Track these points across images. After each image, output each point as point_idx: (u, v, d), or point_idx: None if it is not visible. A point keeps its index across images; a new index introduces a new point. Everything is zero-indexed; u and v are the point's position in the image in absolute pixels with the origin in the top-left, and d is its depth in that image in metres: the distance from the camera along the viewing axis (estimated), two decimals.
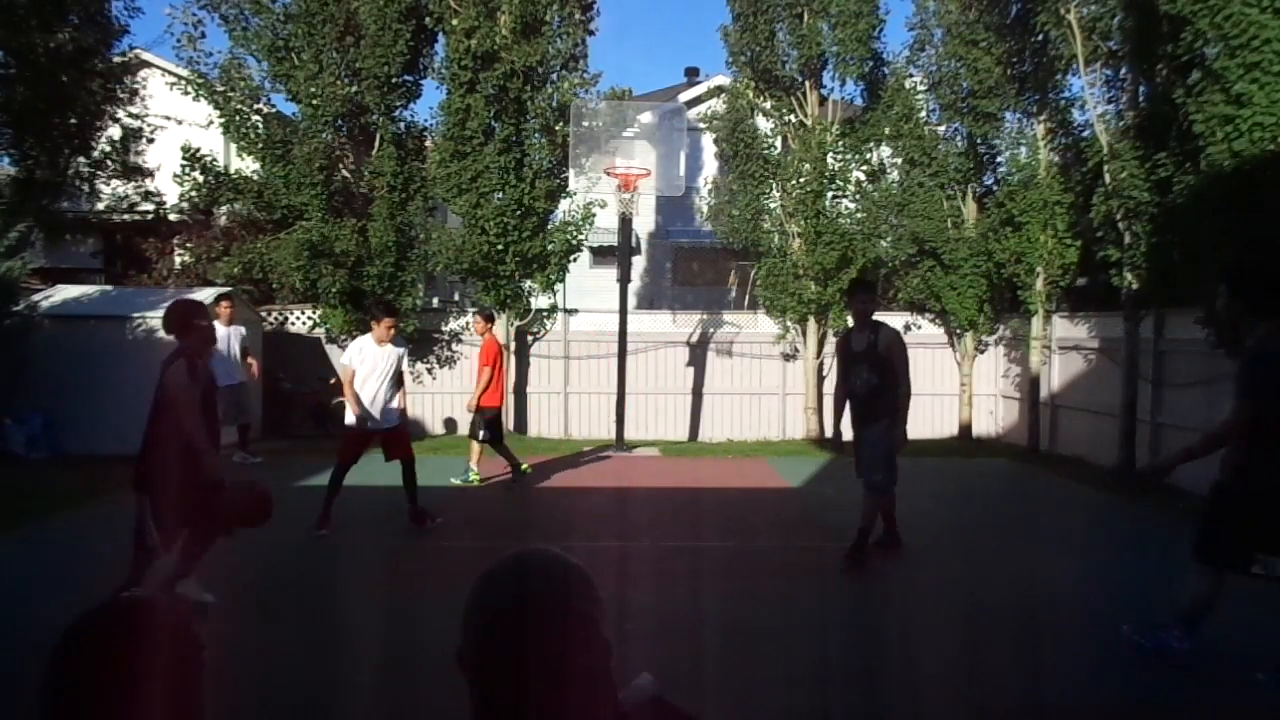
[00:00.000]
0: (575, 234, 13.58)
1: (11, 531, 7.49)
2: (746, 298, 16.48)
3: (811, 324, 14.29)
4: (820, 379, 14.58)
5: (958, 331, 14.33)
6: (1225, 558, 4.50)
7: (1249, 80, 7.68)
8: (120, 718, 1.23)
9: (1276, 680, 4.50)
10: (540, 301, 14.07)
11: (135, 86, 12.94)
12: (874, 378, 6.50)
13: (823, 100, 14.41)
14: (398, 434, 7.60)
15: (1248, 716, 4.29)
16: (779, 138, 14.55)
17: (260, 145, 13.27)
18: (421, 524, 7.44)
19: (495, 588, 1.21)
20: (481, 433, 9.50)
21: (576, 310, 14.72)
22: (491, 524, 7.87)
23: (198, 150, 13.50)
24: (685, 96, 18.45)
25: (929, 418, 14.58)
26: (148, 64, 15.04)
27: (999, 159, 13.69)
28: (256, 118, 13.34)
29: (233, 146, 14.28)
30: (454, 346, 14.14)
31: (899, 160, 14.60)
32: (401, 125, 13.75)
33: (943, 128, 14.11)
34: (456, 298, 17.68)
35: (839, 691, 4.46)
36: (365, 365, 7.42)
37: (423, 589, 6.07)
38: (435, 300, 17.23)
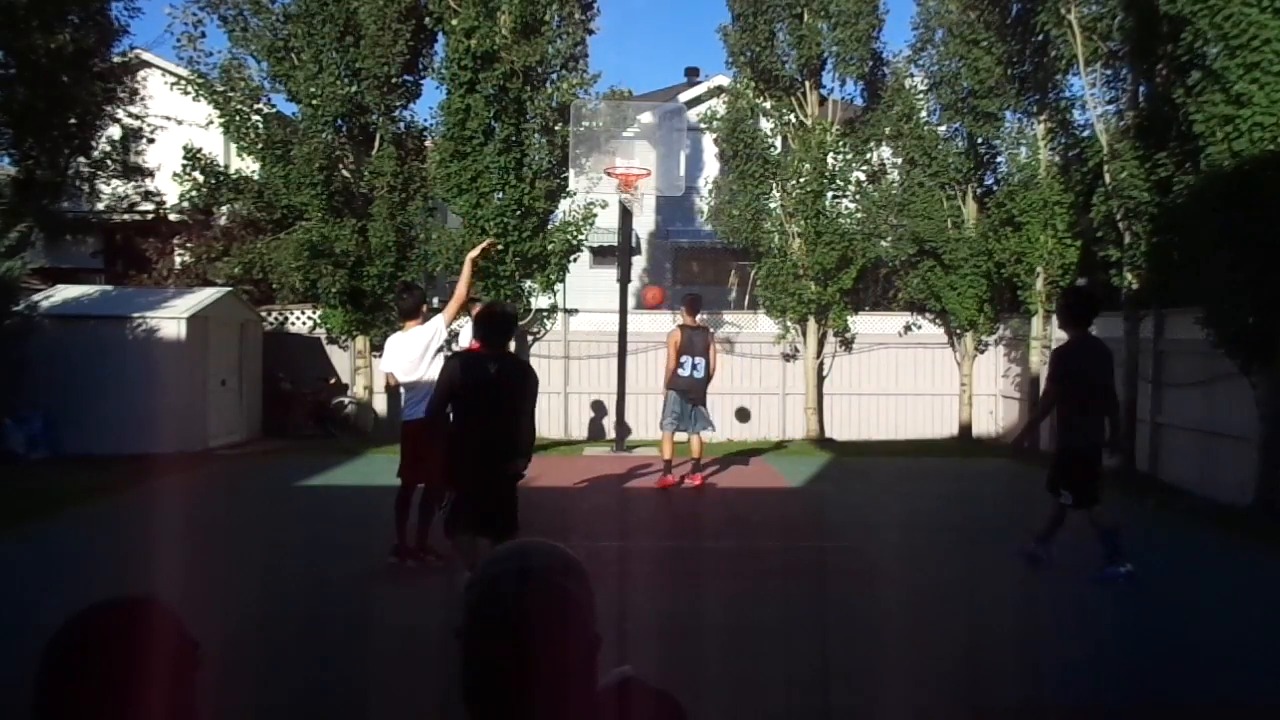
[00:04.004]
0: (575, 234, 13.58)
1: (11, 531, 7.48)
2: (746, 298, 16.48)
3: (811, 324, 14.29)
4: (820, 379, 14.58)
5: (958, 331, 14.33)
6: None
7: (1249, 80, 7.68)
8: (113, 719, 1.23)
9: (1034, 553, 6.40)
10: (540, 301, 14.07)
11: (135, 86, 12.95)
12: None
13: (823, 100, 14.40)
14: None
15: (1246, 714, 4.29)
16: (779, 138, 14.55)
17: (260, 145, 13.26)
18: None
19: (499, 563, 1.25)
20: None
21: (576, 310, 14.71)
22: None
23: (198, 150, 13.49)
24: (685, 96, 18.44)
25: (929, 418, 14.59)
26: (148, 64, 15.03)
27: (999, 159, 13.70)
28: (256, 118, 13.34)
29: (233, 146, 14.28)
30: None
31: (899, 160, 14.60)
32: (401, 125, 13.75)
33: (943, 128, 14.11)
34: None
35: (839, 691, 4.46)
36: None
37: (421, 587, 6.07)
38: (435, 300, 17.21)
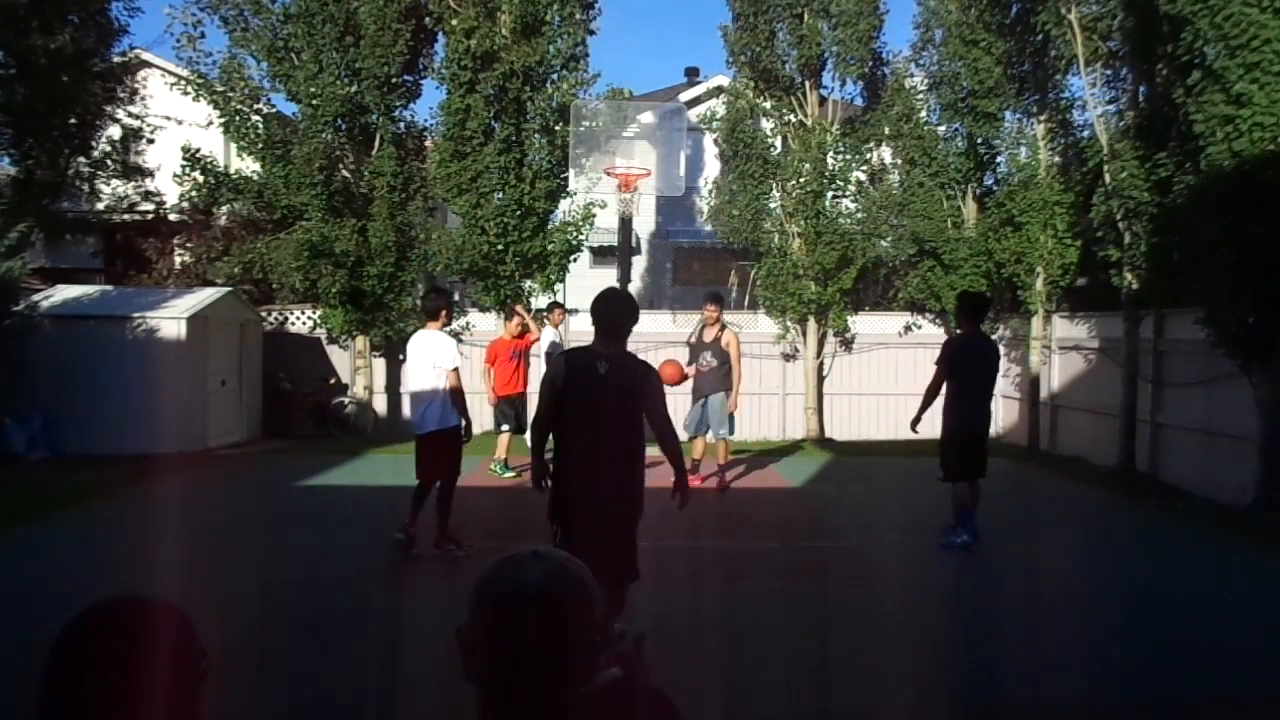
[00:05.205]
0: (575, 234, 13.58)
1: (11, 531, 7.48)
2: (746, 298, 16.47)
3: (811, 324, 14.29)
4: (820, 379, 14.57)
5: (958, 331, 14.31)
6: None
7: (1249, 80, 7.67)
8: (115, 717, 1.23)
9: (952, 543, 6.98)
10: (540, 302, 14.06)
11: (135, 86, 12.95)
12: None
13: (823, 100, 14.40)
14: None
15: (1246, 714, 4.29)
16: (779, 138, 14.55)
17: (260, 145, 13.27)
18: None
19: (509, 553, 1.26)
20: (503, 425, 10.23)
21: (577, 310, 14.68)
22: (491, 524, 7.86)
23: (198, 150, 13.49)
24: (685, 96, 18.44)
25: (929, 417, 14.53)
26: (148, 64, 15.03)
27: (999, 159, 13.68)
28: (256, 118, 13.34)
29: (233, 146, 14.28)
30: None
31: (899, 160, 14.59)
32: (401, 125, 13.76)
33: (943, 128, 14.10)
34: (456, 298, 17.69)
35: (839, 691, 4.46)
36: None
37: (421, 586, 6.07)
38: None
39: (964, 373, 7.19)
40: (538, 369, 10.76)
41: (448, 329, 7.10)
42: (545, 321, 10.99)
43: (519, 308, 11.02)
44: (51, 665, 1.24)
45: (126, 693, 1.22)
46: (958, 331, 7.95)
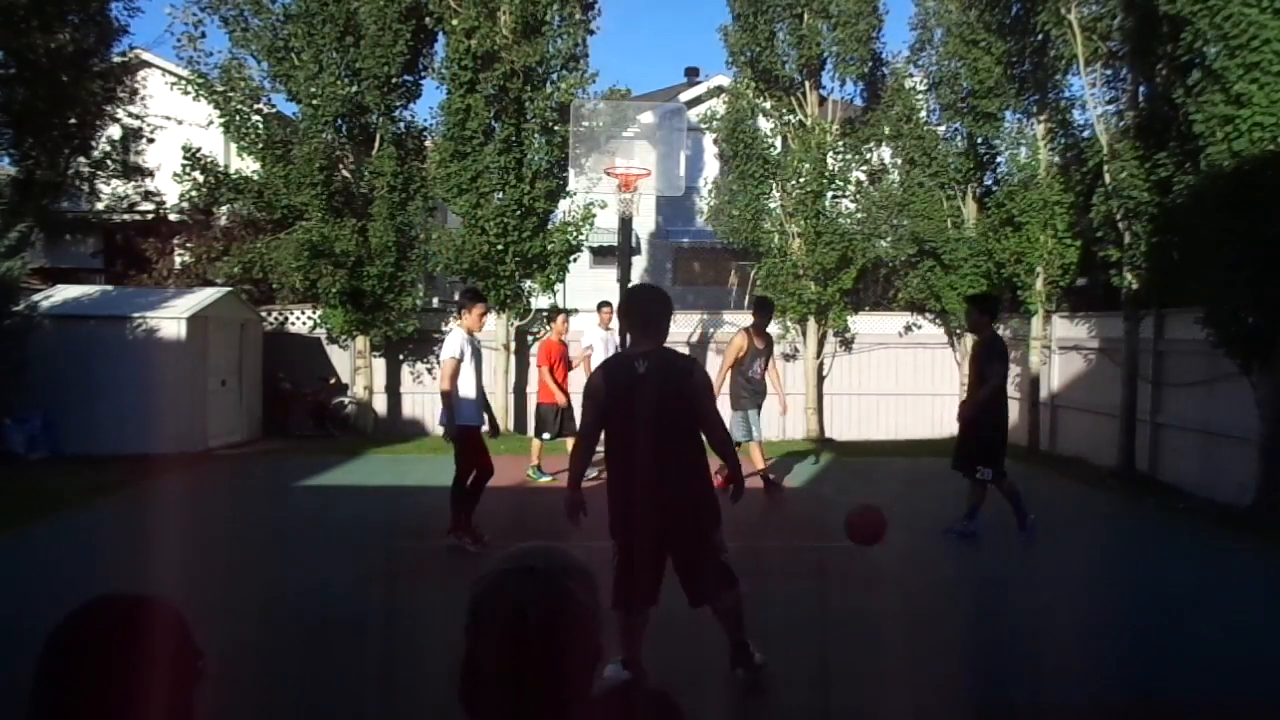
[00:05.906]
0: (575, 234, 13.58)
1: (11, 531, 7.48)
2: (747, 298, 16.47)
3: (811, 324, 14.29)
4: (820, 379, 14.57)
5: (958, 331, 14.32)
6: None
7: (1249, 80, 7.67)
8: (107, 717, 1.22)
9: (959, 532, 7.37)
10: (540, 301, 14.06)
11: (135, 86, 12.97)
12: None
13: (822, 100, 14.41)
14: None
15: (1246, 715, 4.29)
16: (779, 138, 14.55)
17: (260, 145, 13.27)
18: None
19: (508, 560, 1.26)
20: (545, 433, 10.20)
21: (576, 310, 14.69)
22: (491, 524, 7.85)
23: (198, 150, 13.50)
24: (685, 96, 18.44)
25: (929, 418, 14.57)
26: (148, 64, 15.05)
27: (999, 159, 13.68)
28: (256, 118, 13.35)
29: (233, 146, 14.29)
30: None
31: (899, 160, 14.60)
32: (401, 125, 13.76)
33: (943, 128, 14.10)
34: (456, 298, 17.69)
35: (840, 691, 4.46)
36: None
37: (422, 587, 6.07)
38: (435, 300, 17.23)
39: (1005, 370, 7.52)
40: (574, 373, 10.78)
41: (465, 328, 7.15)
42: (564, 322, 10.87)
43: (560, 318, 10.94)
44: (44, 664, 1.23)
45: (120, 693, 1.22)
46: (974, 334, 8.09)
